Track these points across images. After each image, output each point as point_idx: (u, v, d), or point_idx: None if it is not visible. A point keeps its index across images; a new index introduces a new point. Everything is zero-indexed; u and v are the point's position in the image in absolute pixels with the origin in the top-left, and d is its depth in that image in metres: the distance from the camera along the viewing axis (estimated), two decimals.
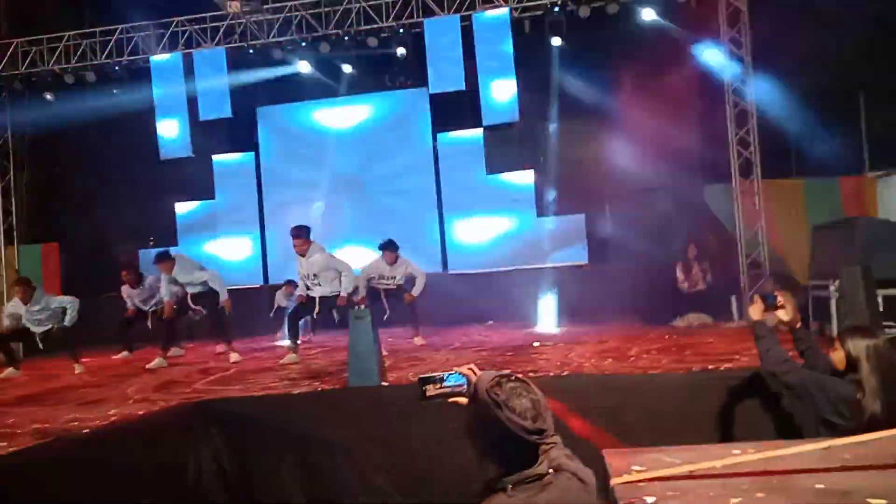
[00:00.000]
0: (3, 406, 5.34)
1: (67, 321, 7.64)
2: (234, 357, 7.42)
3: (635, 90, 10.46)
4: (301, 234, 7.16)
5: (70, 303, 7.68)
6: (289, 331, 7.39)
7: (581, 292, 10.13)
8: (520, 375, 2.06)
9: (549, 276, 10.80)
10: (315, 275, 7.12)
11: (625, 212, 10.83)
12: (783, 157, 10.35)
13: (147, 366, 7.33)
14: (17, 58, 11.62)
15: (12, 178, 11.97)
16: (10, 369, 7.57)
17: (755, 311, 3.43)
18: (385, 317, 7.83)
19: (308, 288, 7.24)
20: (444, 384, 2.14)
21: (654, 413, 4.05)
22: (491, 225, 11.36)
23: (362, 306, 6.18)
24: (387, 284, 8.26)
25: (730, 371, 4.40)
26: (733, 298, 8.81)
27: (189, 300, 7.78)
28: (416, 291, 8.17)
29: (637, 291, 9.29)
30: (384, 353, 5.59)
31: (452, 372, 2.16)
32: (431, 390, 2.15)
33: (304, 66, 11.35)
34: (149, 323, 8.37)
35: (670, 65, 10.29)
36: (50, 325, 7.67)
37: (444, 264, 11.40)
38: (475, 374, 2.14)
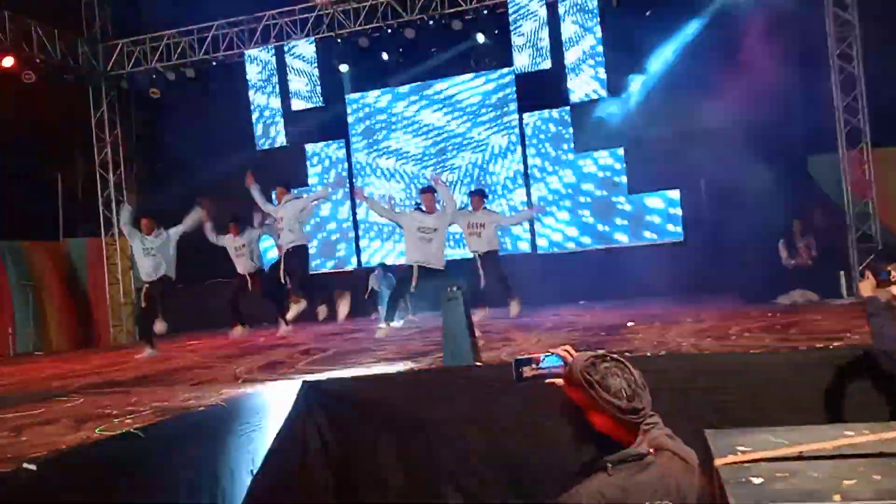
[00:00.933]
0: (124, 386, 5.75)
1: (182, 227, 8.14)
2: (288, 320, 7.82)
3: (731, 58, 9.99)
4: (429, 190, 7.47)
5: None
6: (388, 311, 7.59)
7: (677, 270, 9.85)
8: (615, 355, 2.05)
9: (642, 253, 10.58)
10: (434, 229, 7.25)
11: (722, 186, 10.42)
12: (894, 124, 9.69)
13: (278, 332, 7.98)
14: (123, 58, 12.32)
15: (123, 172, 12.72)
16: (149, 350, 7.97)
17: (866, 287, 3.27)
18: (482, 285, 7.76)
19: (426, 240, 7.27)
20: (541, 366, 2.15)
21: (758, 393, 3.93)
22: (581, 203, 11.21)
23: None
24: (475, 231, 7.93)
25: (839, 350, 4.20)
26: (842, 274, 8.37)
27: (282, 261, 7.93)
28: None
29: (737, 269, 8.95)
30: (477, 333, 5.65)
31: (549, 353, 2.17)
32: (527, 372, 2.16)
33: (388, 53, 11.51)
34: (249, 286, 8.57)
35: (769, 30, 9.78)
36: (158, 258, 7.97)
37: (534, 244, 11.35)
38: (571, 355, 2.15)
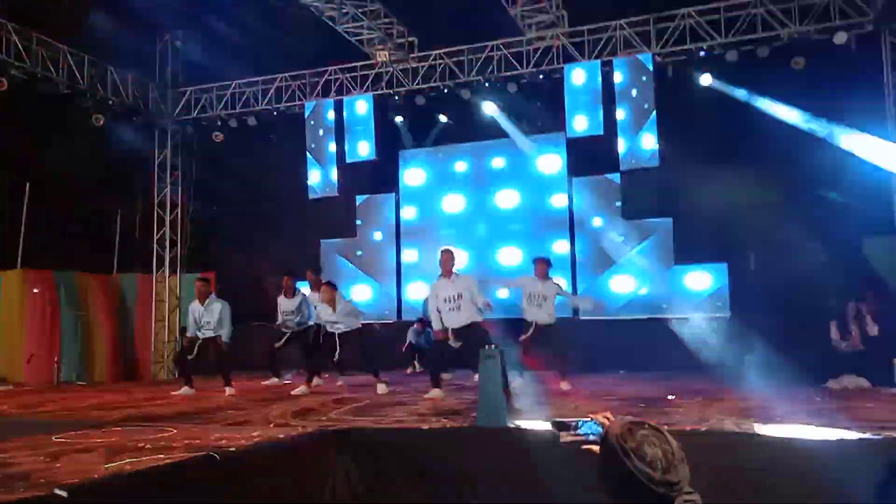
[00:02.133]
0: (162, 421, 5.80)
1: (225, 334, 8.24)
2: (381, 388, 7.72)
3: (783, 136, 9.92)
4: (449, 252, 7.41)
5: (223, 305, 8.33)
6: (431, 377, 7.35)
7: (722, 345, 9.60)
8: (655, 423, 1.99)
9: (687, 326, 10.36)
10: (458, 295, 7.11)
11: (772, 263, 10.23)
12: None
13: (292, 392, 7.77)
14: (190, 104, 12.86)
15: (179, 213, 13.12)
16: (186, 388, 8.21)
17: None
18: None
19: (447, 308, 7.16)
20: (579, 432, 2.11)
21: (804, 478, 3.76)
22: (626, 271, 11.10)
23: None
24: (538, 302, 7.84)
25: (891, 439, 4.02)
26: (895, 362, 8.03)
27: (337, 338, 8.02)
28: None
29: (785, 348, 8.67)
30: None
31: (588, 420, 2.12)
32: (565, 437, 2.12)
33: (444, 115, 11.79)
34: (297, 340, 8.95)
35: (825, 110, 9.71)
36: (213, 334, 8.23)
37: (576, 309, 11.22)
38: (609, 421, 2.10)
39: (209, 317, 8.27)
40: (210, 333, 8.28)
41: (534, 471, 4.31)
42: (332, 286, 8.06)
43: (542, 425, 4.72)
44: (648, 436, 1.93)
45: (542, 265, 7.96)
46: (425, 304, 8.48)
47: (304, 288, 9.30)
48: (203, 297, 8.37)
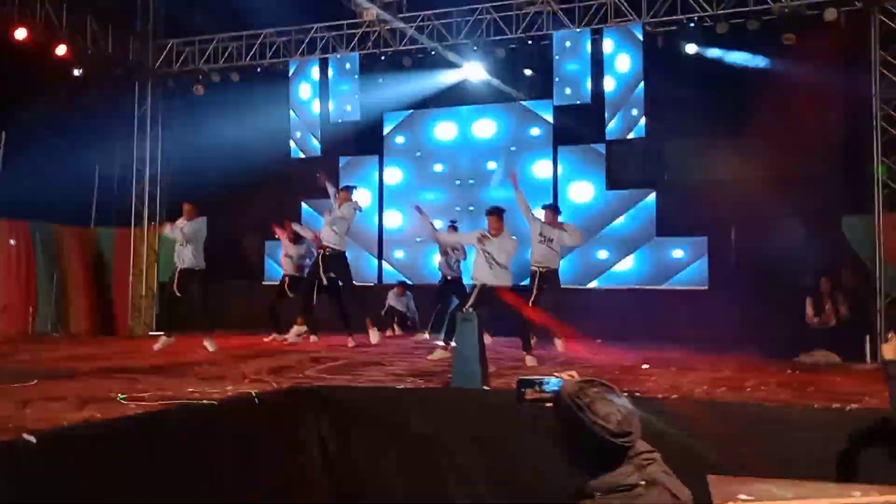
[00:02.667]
0: (135, 373, 5.78)
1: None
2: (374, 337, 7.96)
3: (771, 111, 9.93)
4: (497, 212, 7.27)
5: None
6: (447, 331, 7.22)
7: (699, 318, 9.74)
8: (605, 381, 2.07)
9: (665, 298, 10.46)
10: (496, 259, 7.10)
11: (752, 238, 10.31)
12: None
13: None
14: (172, 57, 12.59)
15: (159, 167, 12.93)
16: (164, 337, 8.21)
17: (889, 350, 3.20)
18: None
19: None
20: (544, 388, 2.14)
21: (768, 446, 3.83)
22: (607, 241, 11.14)
23: None
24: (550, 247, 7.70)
25: (856, 411, 4.10)
26: (867, 339, 8.18)
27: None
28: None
29: (760, 322, 8.80)
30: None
31: (553, 377, 2.16)
32: (529, 394, 2.15)
33: (433, 75, 11.62)
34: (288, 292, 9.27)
35: (811, 87, 9.71)
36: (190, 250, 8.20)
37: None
38: (564, 381, 2.14)
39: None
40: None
41: (504, 433, 4.36)
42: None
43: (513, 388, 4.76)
44: (601, 392, 2.00)
45: (551, 212, 7.92)
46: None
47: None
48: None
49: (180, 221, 8.45)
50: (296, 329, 8.15)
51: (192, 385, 5.11)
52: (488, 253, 7.13)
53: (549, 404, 2.14)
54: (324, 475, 4.61)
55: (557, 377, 2.15)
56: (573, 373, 2.17)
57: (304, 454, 4.60)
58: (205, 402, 4.29)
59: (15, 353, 7.63)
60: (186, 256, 8.21)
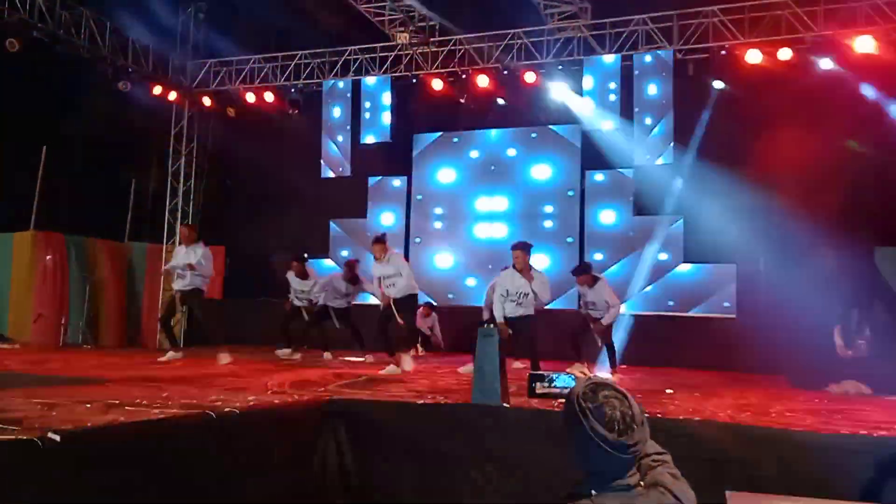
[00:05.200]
0: (160, 382, 5.87)
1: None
2: (370, 358, 8.41)
3: (804, 140, 9.83)
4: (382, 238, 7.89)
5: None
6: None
7: (725, 346, 9.60)
8: (618, 386, 2.03)
9: (691, 325, 10.33)
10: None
11: (781, 266, 10.15)
12: None
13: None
14: (209, 77, 12.91)
15: (193, 184, 13.20)
16: (172, 353, 8.38)
17: None
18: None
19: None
20: (554, 384, 2.14)
21: (791, 471, 3.76)
22: (634, 267, 11.06)
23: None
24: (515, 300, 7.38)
25: (884, 438, 4.00)
26: None
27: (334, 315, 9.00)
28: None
29: (788, 352, 8.63)
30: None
31: (564, 373, 2.15)
32: (539, 388, 2.15)
33: (462, 97, 11.74)
34: (304, 315, 9.50)
35: (846, 118, 9.62)
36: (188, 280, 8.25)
37: (579, 302, 11.20)
38: (588, 376, 2.13)
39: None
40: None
41: (522, 450, 4.33)
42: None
43: (534, 408, 4.73)
44: (610, 397, 1.95)
45: (521, 253, 7.51)
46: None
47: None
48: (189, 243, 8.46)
49: (180, 248, 8.57)
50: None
51: (216, 394, 5.16)
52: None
53: (560, 400, 2.13)
54: (339, 485, 4.62)
55: (568, 373, 2.15)
56: (585, 369, 2.17)
57: (322, 464, 4.62)
58: (227, 409, 4.34)
59: (47, 362, 7.78)
60: (188, 278, 8.26)
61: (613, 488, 1.90)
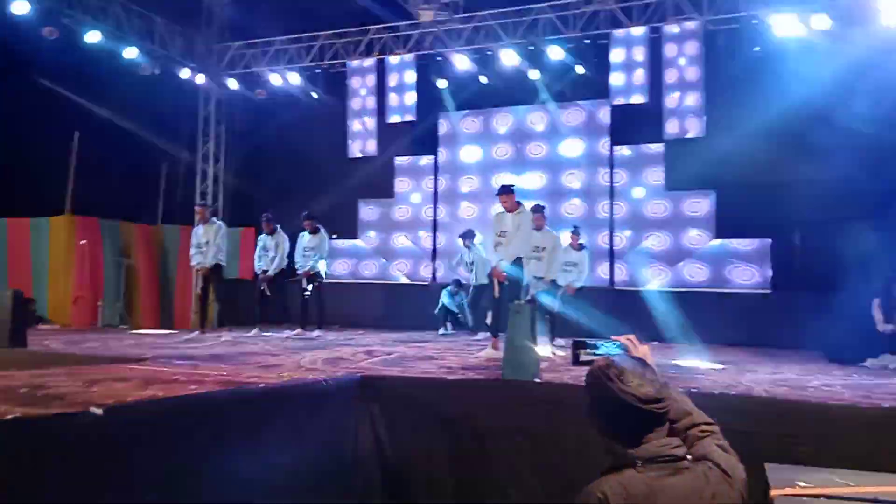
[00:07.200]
0: (196, 359, 5.96)
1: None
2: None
3: (837, 111, 9.57)
4: (507, 191, 7.04)
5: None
6: (496, 324, 7.00)
7: (761, 322, 9.49)
8: (643, 359, 2.02)
9: (726, 301, 10.20)
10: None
11: (818, 240, 9.96)
12: None
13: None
14: (235, 59, 12.95)
15: (222, 167, 13.31)
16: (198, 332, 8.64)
17: None
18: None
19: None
20: (597, 352, 2.11)
21: (831, 445, 3.70)
22: (665, 242, 10.94)
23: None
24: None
25: None
26: None
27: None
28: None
29: (825, 327, 8.48)
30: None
31: (610, 340, 2.12)
32: (583, 355, 2.13)
33: (485, 76, 11.63)
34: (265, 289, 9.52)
35: (881, 86, 9.34)
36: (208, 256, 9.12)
37: (612, 279, 11.14)
38: (635, 345, 2.10)
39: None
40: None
41: (554, 424, 4.33)
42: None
43: (566, 383, 4.72)
44: (635, 365, 1.97)
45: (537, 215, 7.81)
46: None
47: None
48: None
49: (198, 227, 9.27)
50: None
51: (250, 372, 5.23)
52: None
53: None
54: (374, 461, 4.67)
55: (615, 340, 2.13)
56: (632, 337, 2.13)
57: (357, 440, 4.66)
58: (261, 385, 4.40)
59: (85, 342, 7.95)
60: (207, 255, 9.06)
61: (657, 459, 1.87)
